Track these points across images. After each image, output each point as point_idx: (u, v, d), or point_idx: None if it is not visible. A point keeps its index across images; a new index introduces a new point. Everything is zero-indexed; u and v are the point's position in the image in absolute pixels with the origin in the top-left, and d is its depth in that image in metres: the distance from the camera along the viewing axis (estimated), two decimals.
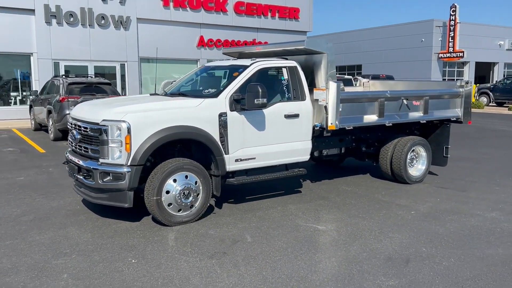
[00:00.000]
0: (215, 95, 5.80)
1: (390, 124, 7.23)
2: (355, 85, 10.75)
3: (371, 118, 7.04)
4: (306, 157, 6.57)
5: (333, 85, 6.39)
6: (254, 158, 6.00)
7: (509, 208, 6.24)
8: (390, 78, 21.39)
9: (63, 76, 13.24)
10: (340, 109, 6.58)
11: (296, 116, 6.30)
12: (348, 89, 9.43)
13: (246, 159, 5.92)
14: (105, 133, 5.08)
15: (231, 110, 5.71)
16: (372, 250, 4.66)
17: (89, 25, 18.10)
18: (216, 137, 5.60)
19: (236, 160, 5.82)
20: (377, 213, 5.97)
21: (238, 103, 5.73)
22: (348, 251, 4.64)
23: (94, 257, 4.42)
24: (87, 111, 5.60)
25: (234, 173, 6.02)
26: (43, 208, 6.07)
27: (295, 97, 6.37)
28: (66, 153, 5.96)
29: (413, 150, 7.73)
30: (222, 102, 5.69)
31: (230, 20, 21.52)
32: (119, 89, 18.50)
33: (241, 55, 8.01)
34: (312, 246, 4.76)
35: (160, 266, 4.22)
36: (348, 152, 8.08)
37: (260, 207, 6.20)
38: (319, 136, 6.86)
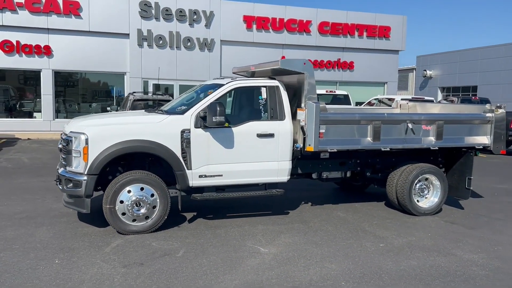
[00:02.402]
0: (183, 112, 6.02)
1: (387, 149, 6.71)
2: (391, 106, 10.07)
3: (364, 141, 6.62)
4: (283, 177, 6.42)
5: (311, 106, 6.19)
6: (221, 176, 6.06)
7: (502, 252, 5.38)
8: (486, 101, 19.35)
9: (133, 93, 14.55)
10: (323, 131, 6.33)
11: (271, 135, 6.22)
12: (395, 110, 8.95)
13: (211, 176, 6.01)
14: (70, 144, 5.60)
15: (196, 127, 5.86)
16: (286, 277, 4.43)
17: (176, 47, 19.58)
18: (178, 152, 5.79)
19: (200, 176, 5.94)
20: (340, 242, 5.60)
21: (204, 120, 5.87)
22: (260, 276, 4.47)
23: (29, 255, 4.90)
24: (70, 124, 6.21)
25: (203, 189, 6.14)
26: (41, 209, 6.82)
27: (272, 116, 6.30)
28: None
29: (426, 179, 7.07)
30: (187, 119, 5.88)
31: (314, 40, 21.53)
32: None
33: (252, 74, 8.11)
34: (232, 267, 4.67)
35: (73, 269, 4.53)
36: (354, 177, 7.67)
37: (228, 225, 6.20)
38: (310, 157, 6.66)
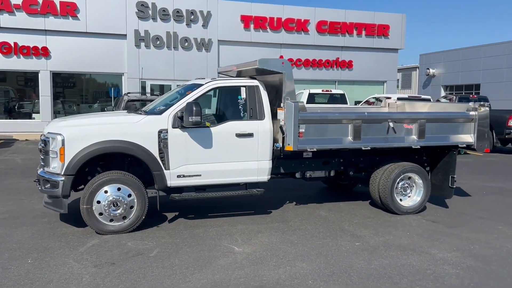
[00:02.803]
0: (161, 112, 6.05)
1: (368, 148, 6.69)
2: (379, 105, 10.03)
3: (344, 140, 6.61)
4: (263, 177, 6.43)
5: (289, 105, 6.19)
6: (200, 175, 6.08)
7: (478, 250, 5.35)
8: (484, 99, 19.21)
9: (128, 94, 14.62)
10: (303, 130, 6.34)
11: (250, 135, 6.23)
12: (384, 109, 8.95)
13: (190, 176, 6.03)
14: (48, 144, 5.65)
15: (174, 127, 5.89)
16: (255, 276, 4.44)
17: (173, 47, 19.64)
18: (155, 152, 5.82)
19: (179, 176, 5.97)
20: (316, 241, 5.60)
21: (182, 120, 5.89)
22: (228, 275, 4.48)
23: (3, 255, 4.94)
24: (49, 125, 6.25)
25: (182, 189, 6.16)
26: (25, 209, 6.88)
27: (252, 116, 6.32)
28: None
29: (409, 178, 7.05)
30: (165, 119, 5.90)
31: (312, 39, 21.51)
32: None
33: (239, 74, 8.11)
34: (202, 267, 4.69)
35: (44, 268, 4.57)
36: (340, 176, 7.67)
37: (208, 225, 6.22)
38: (292, 156, 6.68)
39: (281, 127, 6.33)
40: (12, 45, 17.85)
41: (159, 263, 4.76)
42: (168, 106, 6.15)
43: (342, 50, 22.26)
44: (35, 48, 18.11)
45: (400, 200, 7.02)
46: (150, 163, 5.78)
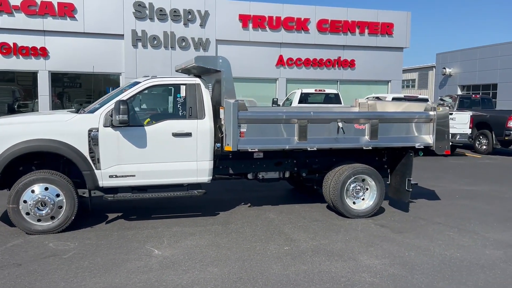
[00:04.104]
0: (94, 110, 5.94)
1: (314, 149, 6.44)
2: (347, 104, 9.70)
3: (289, 141, 6.37)
4: (203, 178, 6.25)
5: (228, 104, 6.00)
6: (134, 176, 5.94)
7: (411, 258, 5.05)
8: (488, 100, 18.47)
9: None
10: (244, 130, 6.14)
11: (188, 135, 6.06)
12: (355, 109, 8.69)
13: (123, 176, 5.90)
14: None
15: (105, 126, 5.77)
16: (156, 281, 4.27)
17: (171, 47, 19.61)
18: (85, 152, 5.72)
19: (111, 176, 5.85)
20: (245, 244, 5.40)
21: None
22: (130, 279, 4.33)
23: None
24: None
25: (117, 189, 6.04)
26: None
27: (191, 115, 6.15)
28: None
29: (363, 180, 6.76)
30: (97, 117, 5.80)
31: (312, 38, 21.17)
32: None
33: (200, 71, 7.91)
34: (108, 270, 4.55)
35: None
36: (293, 177, 7.44)
37: (144, 226, 6.09)
38: (242, 157, 6.51)
39: (219, 127, 6.15)
40: (12, 45, 18.10)
41: (67, 265, 4.64)
42: (103, 104, 6.03)
43: (344, 49, 21.84)
44: (34, 48, 18.33)
45: (353, 203, 6.75)
46: (78, 162, 5.68)
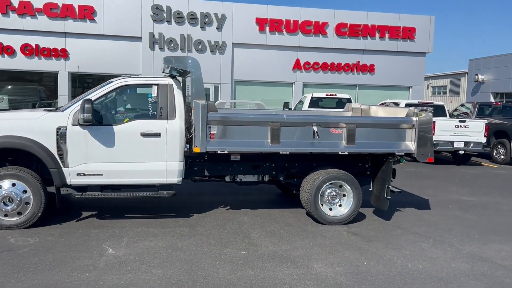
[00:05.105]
0: (65, 109, 6.01)
1: (286, 153, 6.29)
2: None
3: (262, 144, 6.26)
4: (173, 179, 6.20)
5: (197, 105, 5.95)
6: (102, 175, 5.97)
7: (367, 267, 4.84)
8: (510, 108, 17.64)
9: None
10: (214, 131, 6.08)
11: (157, 135, 6.04)
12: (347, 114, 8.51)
13: (90, 175, 5.94)
14: None
15: (74, 124, 5.83)
16: (92, 281, 4.26)
17: (187, 50, 19.80)
18: (53, 149, 5.79)
19: (78, 174, 5.89)
20: (202, 247, 5.33)
21: None
22: (68, 277, 4.33)
23: None
24: None
25: (87, 188, 6.09)
26: None
27: (161, 115, 6.13)
28: None
29: (340, 186, 6.57)
30: (66, 116, 5.87)
31: (330, 42, 20.92)
32: None
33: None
34: (52, 267, 4.57)
35: None
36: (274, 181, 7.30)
37: (111, 225, 6.10)
38: (217, 159, 6.48)
39: (187, 128, 6.11)
40: (34, 46, 18.74)
41: (17, 260, 4.69)
42: (75, 103, 6.10)
43: (363, 54, 21.48)
44: (55, 49, 18.92)
45: (330, 209, 6.57)
46: (46, 159, 5.75)
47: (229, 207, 7.35)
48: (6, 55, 18.59)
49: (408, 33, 21.55)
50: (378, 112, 8.18)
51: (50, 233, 5.65)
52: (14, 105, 17.34)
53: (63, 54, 19.00)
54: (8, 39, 18.52)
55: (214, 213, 6.93)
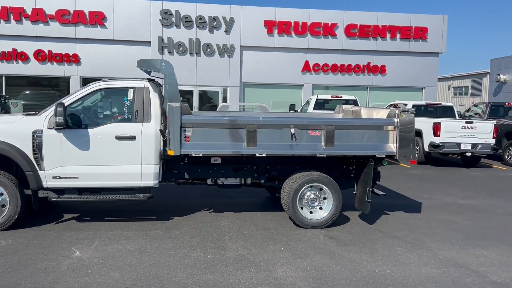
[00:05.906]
0: (42, 112, 6.09)
1: (263, 155, 6.22)
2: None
3: (238, 146, 6.20)
4: (149, 182, 6.20)
5: (170, 108, 5.95)
6: (77, 178, 6.02)
7: (332, 272, 4.72)
8: None
9: None
10: (189, 134, 6.06)
11: (132, 138, 6.06)
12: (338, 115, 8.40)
13: (66, 178, 5.99)
14: None
15: (49, 128, 5.90)
16: (48, 283, 4.28)
17: (196, 53, 19.89)
18: (29, 153, 5.87)
19: (54, 177, 5.96)
20: (170, 251, 5.30)
21: None
22: (25, 279, 4.36)
23: None
24: None
25: (64, 191, 6.15)
26: None
27: (136, 118, 6.15)
28: None
29: (321, 189, 6.46)
30: (42, 119, 5.94)
31: (340, 43, 20.68)
32: None
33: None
34: (14, 269, 4.62)
35: None
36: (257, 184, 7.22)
37: (87, 228, 6.14)
38: (197, 162, 6.47)
39: (160, 130, 6.10)
40: (46, 52, 19.14)
41: None
42: (52, 107, 6.16)
43: (374, 55, 21.15)
44: (67, 55, 19.28)
45: (311, 212, 6.47)
46: (21, 163, 5.83)
47: (212, 210, 7.31)
48: (20, 61, 19.05)
49: (420, 33, 21.13)
50: (370, 114, 8.02)
51: (25, 235, 5.72)
52: (29, 110, 17.70)
53: (74, 59, 19.34)
54: (21, 46, 18.97)
55: (194, 216, 6.89)
